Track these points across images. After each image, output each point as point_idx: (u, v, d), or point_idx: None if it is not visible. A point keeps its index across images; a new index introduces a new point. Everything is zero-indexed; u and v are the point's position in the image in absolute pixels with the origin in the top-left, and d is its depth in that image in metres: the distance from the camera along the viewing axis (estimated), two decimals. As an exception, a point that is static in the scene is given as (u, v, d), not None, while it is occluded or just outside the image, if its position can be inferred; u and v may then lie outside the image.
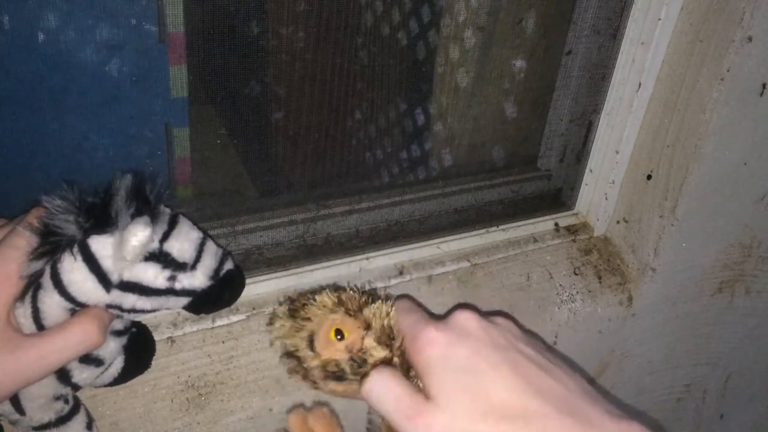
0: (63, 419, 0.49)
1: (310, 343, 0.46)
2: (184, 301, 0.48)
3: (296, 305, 0.48)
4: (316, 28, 0.66)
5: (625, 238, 0.82)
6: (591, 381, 0.67)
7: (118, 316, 0.48)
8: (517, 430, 0.36)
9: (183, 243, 0.46)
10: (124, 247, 0.42)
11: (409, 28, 0.76)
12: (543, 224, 0.82)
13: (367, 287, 0.50)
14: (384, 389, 0.41)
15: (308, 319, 0.46)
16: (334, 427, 0.53)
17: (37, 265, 0.43)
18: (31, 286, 0.44)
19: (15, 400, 0.47)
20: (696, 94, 0.70)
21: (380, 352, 0.44)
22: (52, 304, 0.44)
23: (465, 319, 0.42)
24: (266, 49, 0.64)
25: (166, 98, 0.60)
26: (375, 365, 0.44)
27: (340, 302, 0.46)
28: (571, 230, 0.83)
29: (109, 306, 0.45)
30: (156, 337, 0.59)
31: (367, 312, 0.45)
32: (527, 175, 0.83)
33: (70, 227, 0.43)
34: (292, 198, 0.71)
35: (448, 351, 0.40)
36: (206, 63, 0.60)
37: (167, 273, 0.45)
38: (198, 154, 0.65)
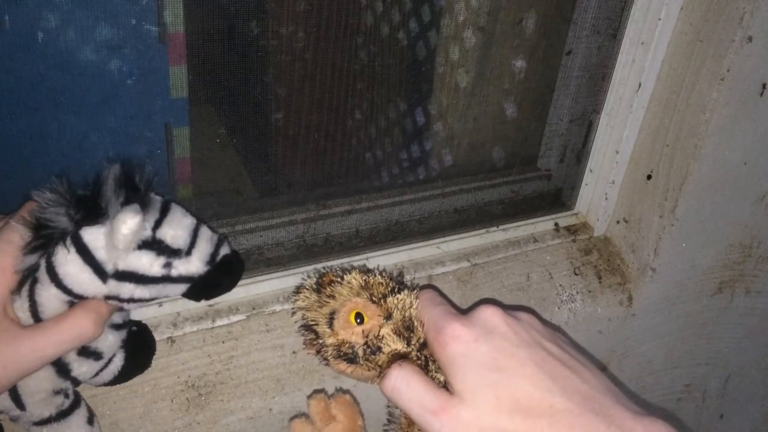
0: (63, 413, 0.49)
1: (330, 320, 0.46)
2: (183, 287, 0.48)
3: (324, 280, 0.48)
4: (316, 28, 0.66)
5: (625, 238, 0.82)
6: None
7: (118, 309, 0.48)
8: (542, 427, 0.36)
9: (176, 229, 0.46)
10: (115, 236, 0.42)
11: (409, 28, 0.76)
12: (543, 224, 0.82)
13: (396, 274, 0.49)
14: (406, 385, 0.41)
15: (332, 296, 0.47)
16: (355, 415, 0.53)
17: (32, 259, 0.43)
18: (27, 280, 0.44)
19: (15, 395, 0.47)
20: (696, 94, 0.70)
21: (396, 344, 0.45)
22: (49, 297, 0.44)
23: (490, 314, 0.41)
24: (266, 49, 0.64)
25: (166, 98, 0.60)
26: (388, 356, 0.44)
27: (366, 286, 0.47)
28: (571, 230, 0.83)
29: (107, 297, 0.45)
30: (156, 337, 0.59)
31: (391, 301, 0.46)
32: (527, 175, 0.83)
33: (61, 220, 0.43)
34: (292, 198, 0.71)
35: (473, 347, 0.40)
36: (206, 63, 0.60)
37: (162, 260, 0.45)
38: (198, 154, 0.65)
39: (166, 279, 0.46)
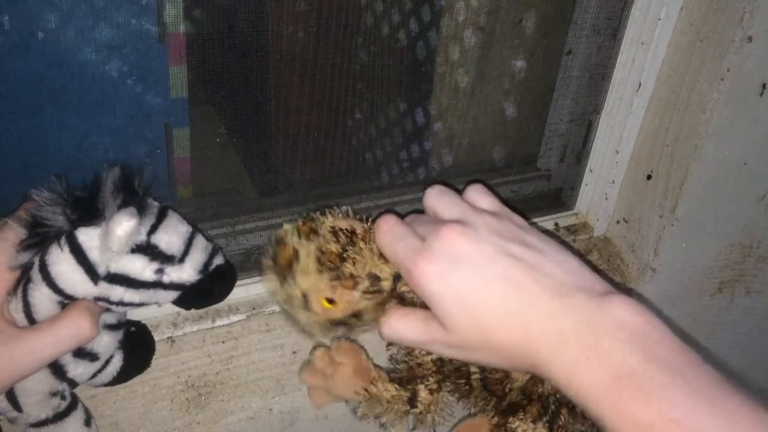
0: (60, 416, 0.49)
1: (305, 300, 0.46)
2: (173, 295, 0.48)
3: (282, 261, 0.46)
4: (316, 28, 0.66)
5: (625, 238, 0.82)
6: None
7: (107, 309, 0.48)
8: (517, 339, 0.41)
9: (171, 236, 0.46)
10: (110, 238, 0.42)
11: (409, 28, 0.76)
12: (543, 224, 0.82)
13: (345, 210, 0.48)
14: (398, 335, 0.45)
15: (295, 277, 0.46)
16: (358, 354, 0.54)
17: (26, 256, 0.43)
18: (23, 278, 0.44)
19: (12, 397, 0.47)
20: (696, 94, 0.70)
21: (372, 300, 0.46)
22: (41, 297, 0.44)
23: (451, 238, 0.42)
24: (266, 49, 0.64)
25: (166, 98, 0.60)
26: (372, 310, 0.46)
27: (320, 264, 0.45)
28: (571, 230, 0.83)
29: (97, 298, 0.45)
30: (156, 337, 0.59)
31: (348, 266, 0.45)
32: (527, 175, 0.83)
33: (58, 219, 0.43)
34: (292, 198, 0.71)
35: (444, 282, 0.42)
36: (206, 63, 0.60)
37: (155, 266, 0.45)
38: (198, 154, 0.65)
39: (158, 285, 0.46)
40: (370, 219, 0.49)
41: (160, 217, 0.46)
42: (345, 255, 0.45)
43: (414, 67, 0.79)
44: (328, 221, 0.47)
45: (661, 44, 0.71)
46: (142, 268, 0.45)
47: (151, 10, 0.55)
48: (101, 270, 0.44)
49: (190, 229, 0.48)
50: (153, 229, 0.45)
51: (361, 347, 0.56)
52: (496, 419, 0.51)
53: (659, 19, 0.69)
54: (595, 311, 0.40)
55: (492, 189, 0.50)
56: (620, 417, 0.37)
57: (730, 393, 0.36)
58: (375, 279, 0.46)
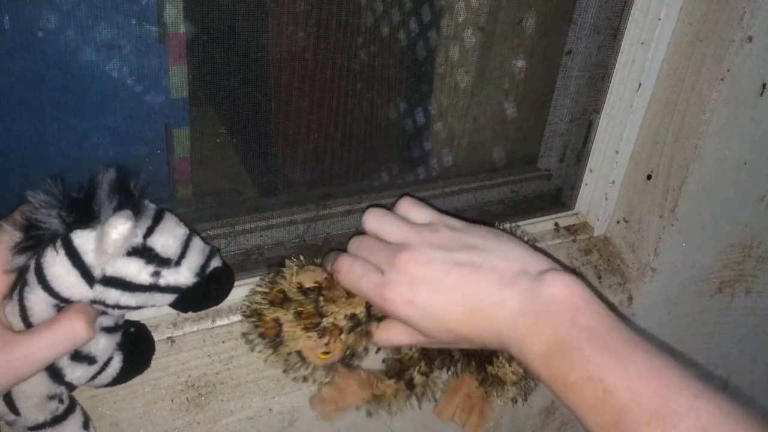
0: (58, 419, 0.49)
1: (301, 357, 0.52)
2: (170, 298, 0.47)
3: (269, 336, 0.52)
4: (316, 27, 0.66)
5: (625, 238, 0.82)
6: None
7: (103, 313, 0.47)
8: (476, 324, 0.47)
9: (167, 238, 0.46)
10: (105, 240, 0.42)
11: (409, 28, 0.76)
12: (543, 224, 0.82)
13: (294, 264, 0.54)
14: (391, 341, 0.53)
15: (278, 335, 0.51)
16: (358, 374, 0.59)
17: (21, 259, 0.43)
18: (18, 282, 0.44)
19: (9, 401, 0.46)
20: (696, 94, 0.70)
21: (357, 335, 0.52)
22: (37, 300, 0.44)
23: (405, 269, 0.49)
24: (266, 49, 0.64)
25: (166, 98, 0.60)
26: (362, 339, 0.52)
27: (304, 327, 0.50)
28: (571, 230, 0.83)
29: (93, 302, 0.45)
30: (156, 337, 0.59)
31: (329, 319, 0.51)
32: (527, 175, 0.83)
33: (53, 221, 0.42)
34: (292, 198, 0.71)
35: (410, 305, 0.49)
36: (206, 63, 0.60)
37: (151, 268, 0.45)
38: (198, 154, 0.65)
39: (154, 288, 0.46)
40: (322, 261, 0.55)
41: (157, 220, 0.46)
42: (321, 310, 0.51)
43: (414, 67, 0.79)
44: (293, 281, 0.52)
45: (661, 44, 0.71)
46: (137, 271, 0.44)
47: (151, 10, 0.55)
48: (97, 273, 0.44)
49: (187, 232, 0.48)
50: (149, 232, 0.45)
51: (359, 369, 0.60)
52: (479, 375, 0.58)
53: (659, 19, 0.69)
54: (533, 291, 0.46)
55: (420, 198, 0.56)
56: (553, 378, 0.44)
57: (642, 352, 0.42)
58: (353, 317, 0.51)
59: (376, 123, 0.79)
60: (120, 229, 0.41)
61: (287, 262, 0.54)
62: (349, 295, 0.52)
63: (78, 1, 0.52)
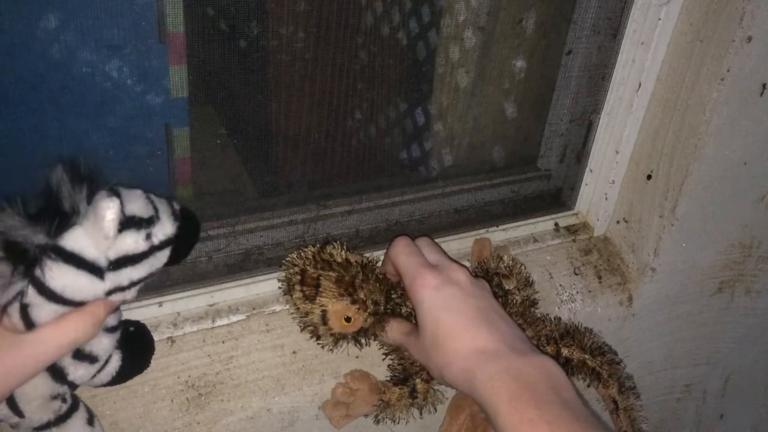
0: (62, 418, 0.49)
1: (323, 317, 0.57)
2: (167, 253, 0.48)
3: (306, 291, 0.57)
4: (316, 28, 0.66)
5: (625, 238, 0.82)
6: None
7: (115, 310, 0.47)
8: (482, 361, 0.52)
9: (137, 201, 0.46)
10: (103, 226, 0.41)
11: (409, 28, 0.76)
12: (543, 224, 0.82)
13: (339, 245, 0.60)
14: (388, 336, 0.60)
15: (317, 295, 0.57)
16: (369, 377, 0.63)
17: (18, 287, 0.42)
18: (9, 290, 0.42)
19: (12, 403, 0.46)
20: (696, 94, 0.70)
21: (374, 320, 0.59)
22: (49, 313, 0.43)
23: (458, 270, 0.57)
24: (266, 49, 0.64)
25: (166, 98, 0.60)
26: (375, 326, 0.59)
27: (340, 284, 0.57)
28: (571, 230, 0.83)
29: (109, 292, 0.45)
30: (156, 337, 0.59)
31: (361, 293, 0.57)
32: (527, 175, 0.83)
33: (35, 238, 0.41)
34: (292, 198, 0.71)
35: (435, 293, 0.55)
36: (206, 63, 0.60)
37: (143, 233, 0.45)
38: (198, 154, 0.65)
39: (153, 249, 0.46)
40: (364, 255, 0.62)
41: (116, 193, 0.45)
42: (356, 283, 0.57)
43: (414, 67, 0.79)
44: (341, 254, 0.59)
45: (661, 44, 0.71)
46: (135, 241, 0.45)
47: (151, 10, 0.55)
48: (103, 263, 0.43)
49: (140, 190, 0.48)
50: (121, 204, 0.45)
51: (369, 374, 0.64)
52: None
53: (659, 19, 0.69)
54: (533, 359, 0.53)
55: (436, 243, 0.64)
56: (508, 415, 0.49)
57: (572, 420, 0.48)
58: (377, 303, 0.58)
59: (376, 123, 0.79)
60: (112, 208, 0.41)
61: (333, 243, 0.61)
62: (380, 287, 0.59)
63: (78, 1, 0.52)
